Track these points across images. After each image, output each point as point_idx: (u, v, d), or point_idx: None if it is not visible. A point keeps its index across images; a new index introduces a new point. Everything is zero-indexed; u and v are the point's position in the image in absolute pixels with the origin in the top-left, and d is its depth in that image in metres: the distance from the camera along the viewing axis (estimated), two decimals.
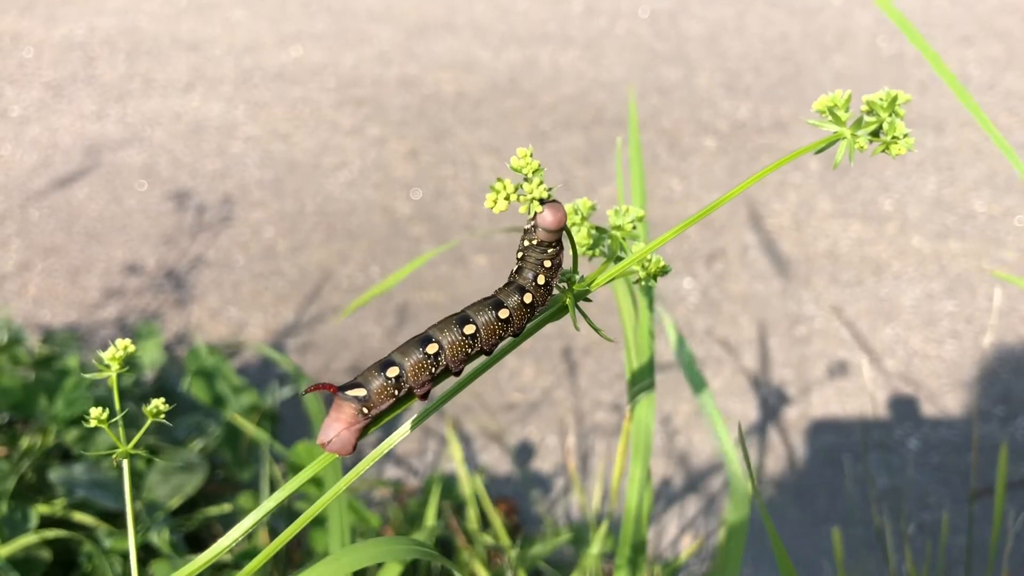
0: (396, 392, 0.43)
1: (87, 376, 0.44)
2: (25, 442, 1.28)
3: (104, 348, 0.49)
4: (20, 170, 2.48)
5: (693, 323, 1.97)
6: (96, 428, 1.23)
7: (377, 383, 0.42)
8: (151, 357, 1.52)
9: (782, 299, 2.03)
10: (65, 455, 1.31)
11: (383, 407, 0.43)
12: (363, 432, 0.43)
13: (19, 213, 2.31)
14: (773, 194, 2.36)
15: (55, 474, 1.15)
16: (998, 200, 2.32)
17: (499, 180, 0.41)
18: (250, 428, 1.39)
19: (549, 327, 1.94)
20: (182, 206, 2.35)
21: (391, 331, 1.96)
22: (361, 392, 0.42)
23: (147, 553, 1.14)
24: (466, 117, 2.73)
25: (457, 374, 0.45)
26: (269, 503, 0.43)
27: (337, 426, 0.42)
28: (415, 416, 0.46)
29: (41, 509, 1.17)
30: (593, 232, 0.50)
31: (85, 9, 3.35)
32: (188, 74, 2.95)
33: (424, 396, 0.44)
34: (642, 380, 0.77)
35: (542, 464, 1.68)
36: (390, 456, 1.68)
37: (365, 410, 0.42)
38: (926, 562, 1.24)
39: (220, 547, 0.44)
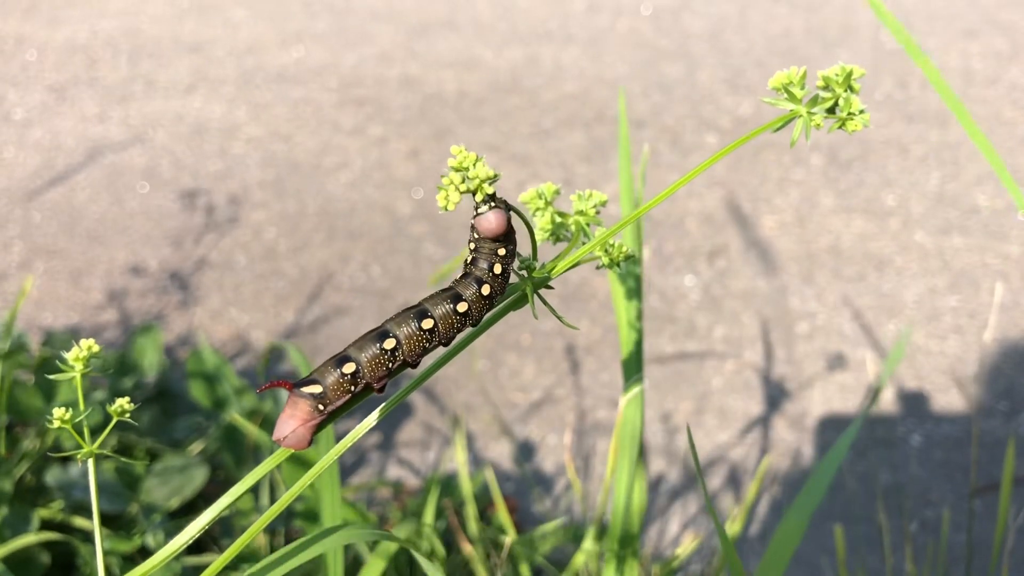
0: (352, 388, 0.42)
1: (52, 377, 0.44)
2: (25, 445, 1.28)
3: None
4: (23, 172, 2.49)
5: (695, 320, 1.96)
6: (96, 430, 1.23)
7: (332, 379, 0.42)
8: (151, 359, 1.53)
9: (784, 295, 2.02)
10: (65, 458, 1.32)
11: (339, 403, 0.42)
12: (319, 427, 0.43)
13: (21, 215, 2.32)
14: (775, 190, 2.35)
15: (52, 477, 1.16)
16: (1002, 194, 2.30)
17: (443, 176, 0.41)
18: (251, 429, 1.39)
19: (549, 323, 1.94)
20: (184, 207, 2.35)
21: None
22: (316, 389, 0.42)
23: (144, 555, 1.14)
24: (468, 116, 2.72)
25: (415, 367, 0.45)
26: (226, 498, 0.43)
27: (292, 423, 0.42)
28: (383, 405, 0.46)
29: (41, 513, 1.18)
30: (556, 218, 0.50)
31: (87, 11, 3.36)
32: (190, 75, 2.95)
33: (381, 390, 0.44)
34: (630, 374, 0.77)
35: (543, 463, 1.68)
36: (392, 455, 1.68)
37: (321, 406, 0.42)
38: (927, 560, 1.24)
39: (173, 549, 0.43)
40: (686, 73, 2.91)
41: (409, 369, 0.45)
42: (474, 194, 0.42)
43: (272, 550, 1.29)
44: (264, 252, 2.19)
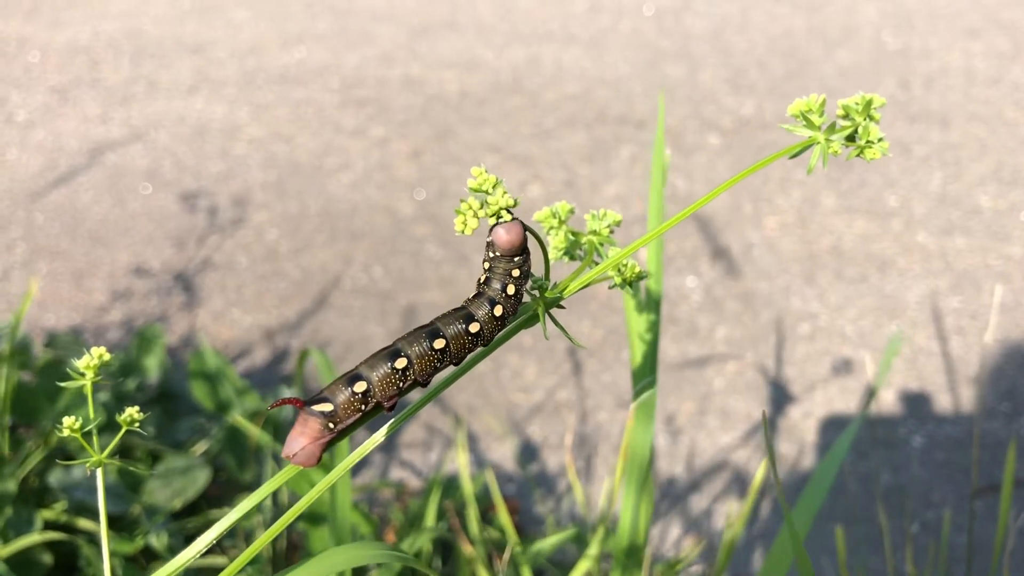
0: (363, 407, 0.42)
1: (63, 385, 0.45)
2: (28, 446, 1.29)
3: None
4: (25, 174, 2.49)
5: (696, 321, 1.97)
6: (98, 431, 1.23)
7: (343, 397, 0.42)
8: (154, 360, 1.53)
9: (786, 296, 2.02)
10: (68, 458, 1.32)
11: (349, 421, 0.42)
12: (329, 445, 0.43)
13: (24, 217, 2.33)
14: (777, 190, 2.35)
15: (55, 478, 1.16)
16: (1004, 195, 2.30)
17: (463, 201, 0.41)
18: (253, 430, 1.39)
19: (549, 327, 1.94)
20: (186, 208, 2.36)
21: (395, 332, 1.96)
22: (327, 407, 0.42)
23: (148, 556, 1.14)
24: (469, 116, 2.72)
25: (425, 385, 0.45)
26: (234, 514, 0.43)
27: (302, 440, 0.42)
28: (391, 422, 0.46)
29: (44, 514, 1.18)
30: (570, 237, 0.50)
31: (90, 13, 3.37)
32: (192, 76, 2.95)
33: (391, 408, 0.44)
34: (642, 385, 0.76)
35: (545, 464, 1.68)
36: (394, 456, 1.69)
37: (331, 425, 0.42)
38: (928, 561, 1.24)
39: (185, 559, 0.44)
40: (688, 73, 2.91)
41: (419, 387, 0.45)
42: (490, 217, 0.42)
43: (273, 551, 1.29)
44: (266, 253, 2.19)
